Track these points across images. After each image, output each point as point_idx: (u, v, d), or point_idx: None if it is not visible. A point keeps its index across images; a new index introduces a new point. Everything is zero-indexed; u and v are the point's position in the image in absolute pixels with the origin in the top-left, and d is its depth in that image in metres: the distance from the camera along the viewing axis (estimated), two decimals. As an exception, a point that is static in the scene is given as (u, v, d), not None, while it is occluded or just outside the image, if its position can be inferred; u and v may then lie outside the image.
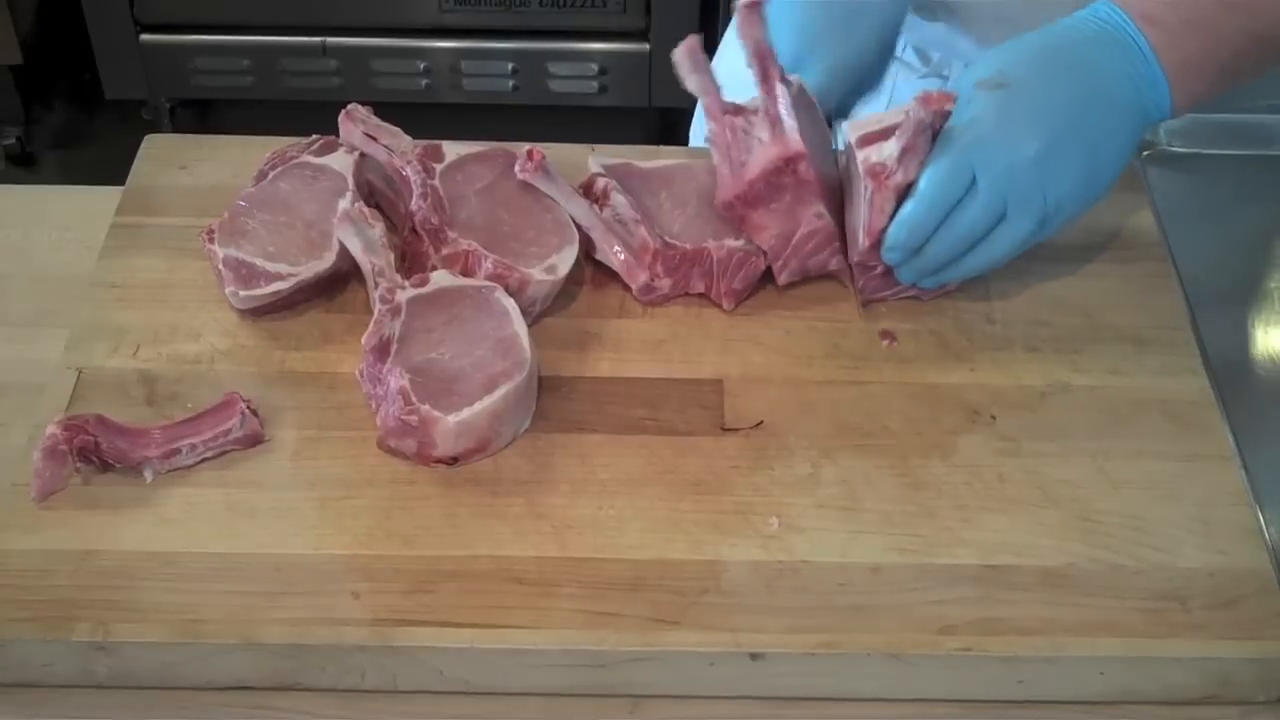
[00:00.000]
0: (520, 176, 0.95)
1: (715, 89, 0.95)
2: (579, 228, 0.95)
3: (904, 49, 1.15)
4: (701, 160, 0.98)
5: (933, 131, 0.89)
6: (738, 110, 0.94)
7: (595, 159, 0.99)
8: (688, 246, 0.95)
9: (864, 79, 1.01)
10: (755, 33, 0.92)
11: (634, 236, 0.95)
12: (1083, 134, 0.89)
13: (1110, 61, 0.90)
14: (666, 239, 0.95)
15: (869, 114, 0.94)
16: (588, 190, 0.97)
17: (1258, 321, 1.06)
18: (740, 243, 0.95)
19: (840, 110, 1.01)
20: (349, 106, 0.98)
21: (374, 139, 0.97)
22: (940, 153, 0.89)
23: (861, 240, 0.92)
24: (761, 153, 0.92)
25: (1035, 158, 0.88)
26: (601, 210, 0.96)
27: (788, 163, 0.91)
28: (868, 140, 0.90)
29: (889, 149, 0.89)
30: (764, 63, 0.92)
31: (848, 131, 0.92)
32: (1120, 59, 0.90)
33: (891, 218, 0.90)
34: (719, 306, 0.96)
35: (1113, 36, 0.91)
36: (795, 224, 0.93)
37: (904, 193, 0.89)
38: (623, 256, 0.95)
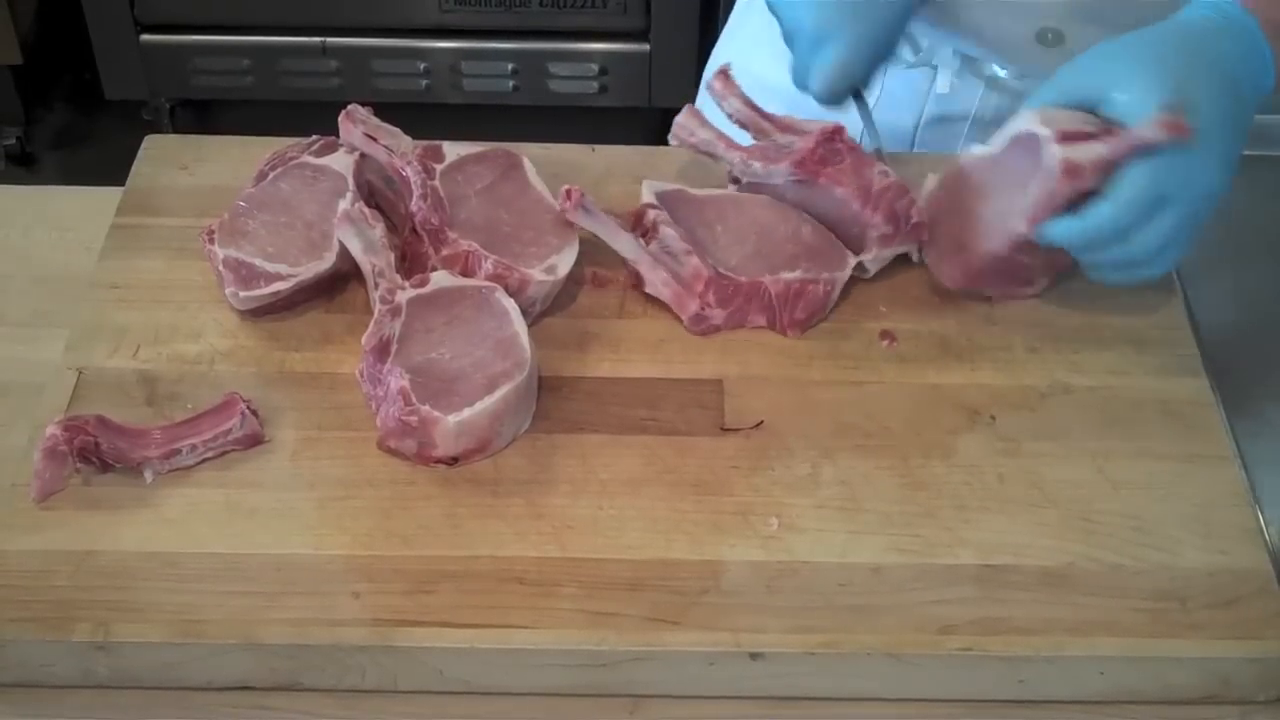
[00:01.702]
0: (566, 217, 0.95)
1: (724, 136, 0.98)
2: (625, 261, 0.95)
3: None
4: (760, 196, 0.98)
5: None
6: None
7: (649, 186, 0.98)
8: (743, 280, 0.94)
9: (884, 50, 1.02)
10: (734, 95, 0.99)
11: (684, 266, 0.94)
12: (1238, 148, 0.89)
13: (1245, 62, 0.90)
14: (721, 270, 0.94)
15: (1053, 109, 0.91)
16: (637, 221, 0.97)
17: (1258, 321, 1.06)
18: (797, 274, 0.94)
19: (864, 81, 1.01)
20: (349, 107, 0.98)
21: (374, 139, 0.97)
22: (1141, 174, 0.86)
23: (1017, 226, 0.90)
24: (803, 140, 0.95)
25: (1218, 189, 0.88)
26: (649, 243, 0.95)
27: (832, 135, 0.95)
28: (1070, 137, 0.88)
29: (1094, 151, 0.87)
30: (754, 119, 0.97)
31: (1033, 121, 0.89)
32: (1248, 53, 0.90)
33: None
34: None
35: (1235, 29, 0.90)
36: (867, 179, 0.95)
37: (1076, 201, 0.88)
38: (672, 287, 0.95)
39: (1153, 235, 0.87)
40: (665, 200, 0.97)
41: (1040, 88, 0.91)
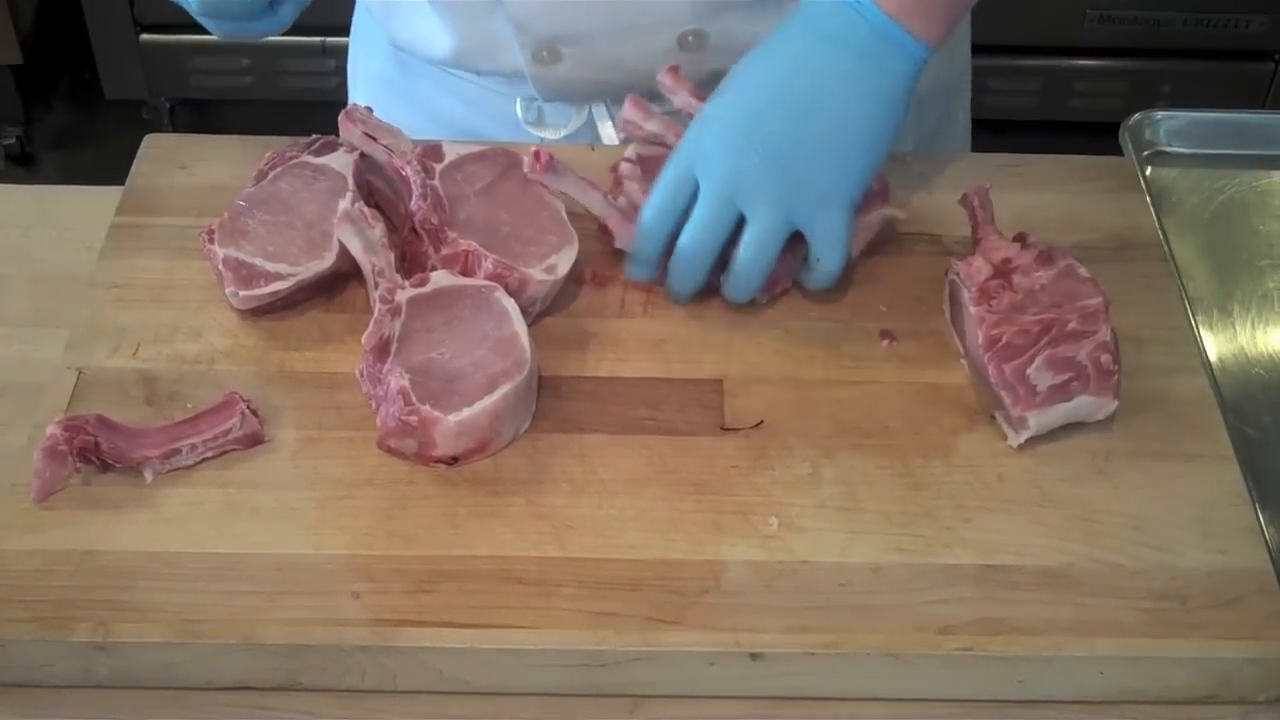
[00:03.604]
0: (531, 178, 0.95)
1: (672, 124, 0.98)
2: (598, 220, 0.96)
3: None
4: None
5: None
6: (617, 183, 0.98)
7: (633, 148, 0.99)
8: None
9: None
10: (684, 90, 0.99)
11: None
12: (812, 119, 0.90)
13: (831, 40, 0.91)
14: None
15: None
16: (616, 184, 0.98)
17: (1258, 322, 1.06)
18: None
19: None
20: (349, 106, 0.98)
21: (373, 139, 0.97)
22: (668, 165, 0.92)
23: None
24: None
25: (750, 155, 0.90)
26: (616, 199, 0.96)
27: None
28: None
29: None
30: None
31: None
32: (844, 33, 0.91)
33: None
34: (722, 305, 0.96)
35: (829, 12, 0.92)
36: None
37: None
38: None
39: (699, 222, 0.91)
40: (644, 160, 0.97)
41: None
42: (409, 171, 0.94)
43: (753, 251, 0.91)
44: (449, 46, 1.10)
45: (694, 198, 0.91)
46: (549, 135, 1.13)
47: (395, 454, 0.86)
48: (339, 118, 0.98)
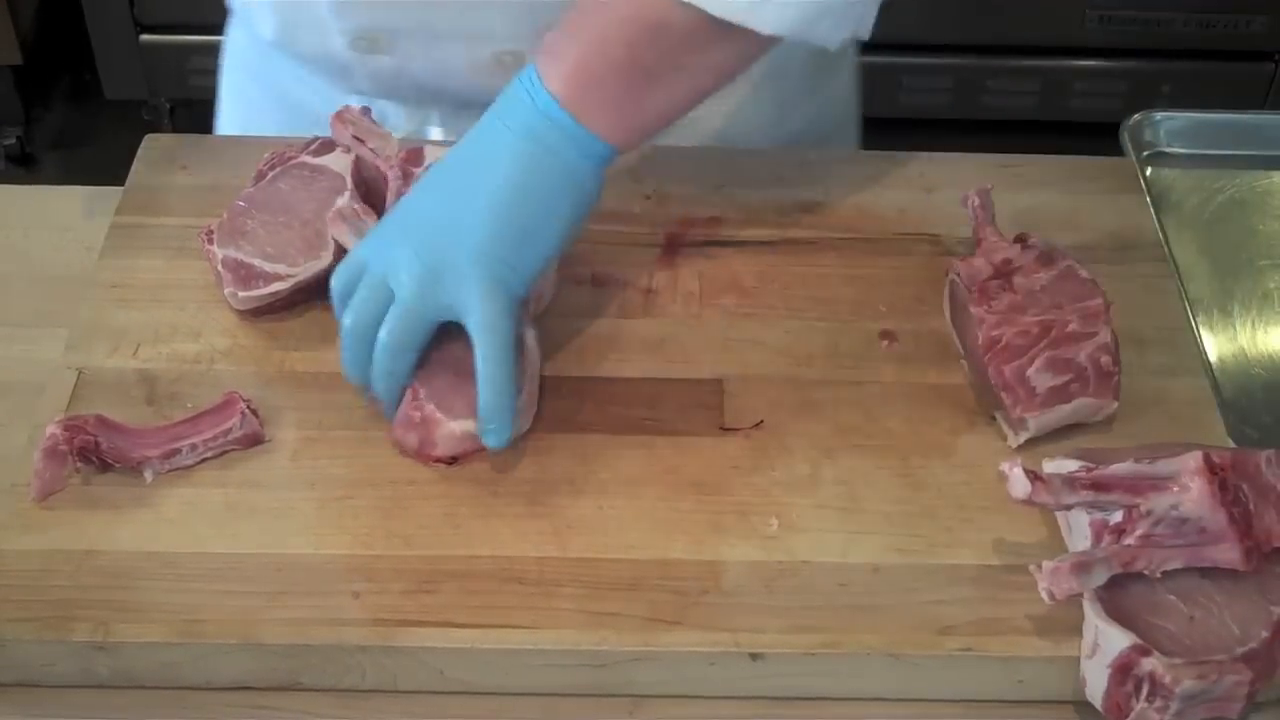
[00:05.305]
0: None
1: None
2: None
3: None
4: None
5: None
6: None
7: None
8: None
9: None
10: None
11: None
12: (466, 198, 0.85)
13: (504, 122, 0.85)
14: None
15: None
16: None
17: (1258, 322, 1.06)
18: None
19: None
20: (341, 107, 0.98)
21: (361, 141, 0.97)
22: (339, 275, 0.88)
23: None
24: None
25: (404, 242, 0.84)
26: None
27: None
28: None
29: None
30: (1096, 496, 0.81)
31: None
32: (515, 116, 0.85)
33: None
34: (722, 305, 0.95)
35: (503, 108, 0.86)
36: None
37: None
38: None
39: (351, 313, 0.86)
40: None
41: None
42: (389, 175, 0.94)
43: (389, 327, 0.84)
44: (273, 23, 1.08)
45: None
46: None
47: (399, 447, 0.86)
48: (330, 119, 0.98)
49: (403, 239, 0.85)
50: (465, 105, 0.99)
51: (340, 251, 0.92)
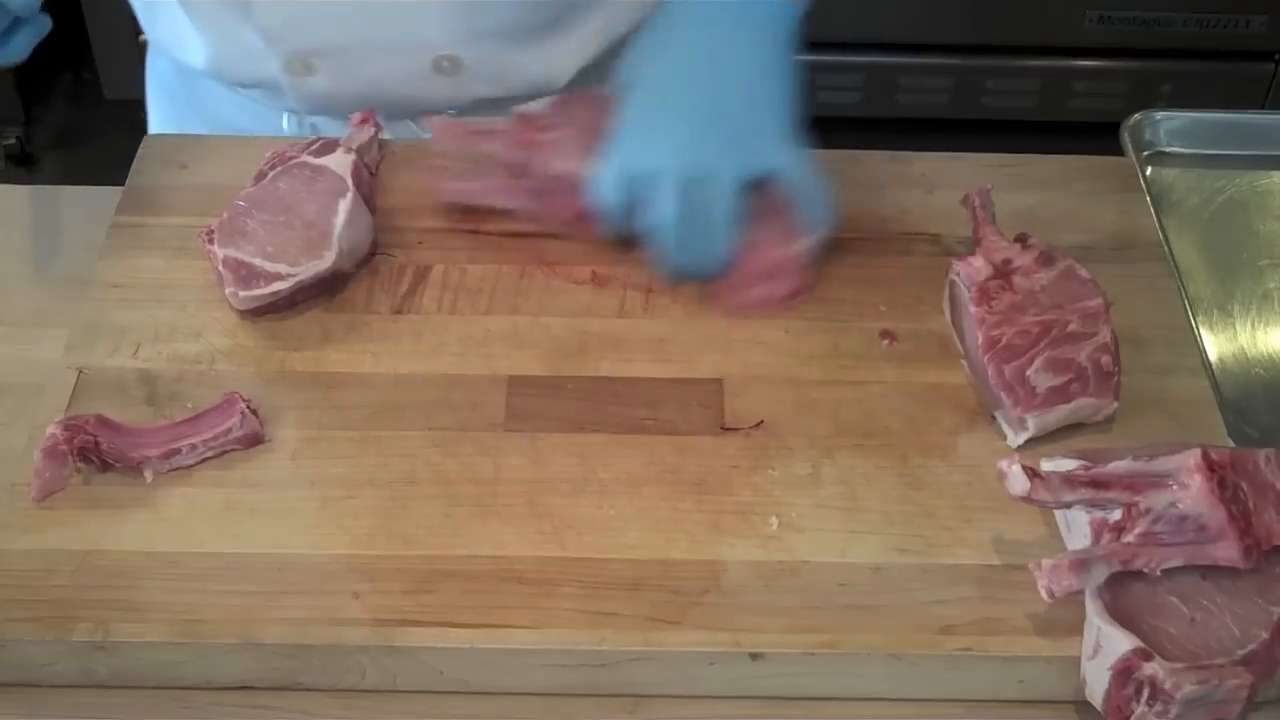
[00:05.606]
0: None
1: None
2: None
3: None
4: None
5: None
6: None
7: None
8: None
9: None
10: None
11: None
12: (721, 80, 0.93)
13: (703, 19, 0.94)
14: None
15: None
16: None
17: (1258, 322, 1.06)
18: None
19: None
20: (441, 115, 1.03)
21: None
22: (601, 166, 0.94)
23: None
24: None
25: (680, 129, 0.92)
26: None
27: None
28: None
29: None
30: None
31: None
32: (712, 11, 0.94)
33: None
34: (718, 305, 0.96)
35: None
36: None
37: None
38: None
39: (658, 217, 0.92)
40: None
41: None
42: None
43: (724, 205, 0.92)
44: (204, 54, 1.09)
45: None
46: None
47: (739, 308, 0.94)
48: (432, 124, 1.00)
49: (681, 131, 0.92)
50: (399, 114, 1.00)
51: (344, 252, 0.92)
